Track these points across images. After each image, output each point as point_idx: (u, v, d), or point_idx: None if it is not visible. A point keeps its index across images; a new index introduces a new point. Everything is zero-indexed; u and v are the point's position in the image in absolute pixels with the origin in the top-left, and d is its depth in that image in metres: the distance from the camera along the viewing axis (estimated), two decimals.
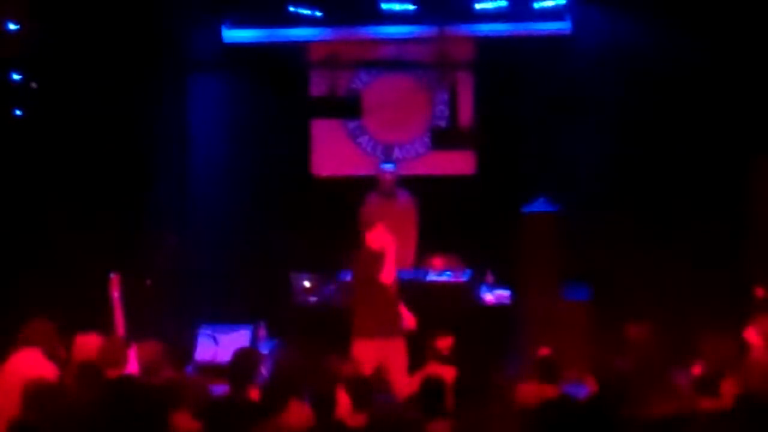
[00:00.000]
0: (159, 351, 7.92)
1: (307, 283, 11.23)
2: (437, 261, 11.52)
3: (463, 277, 11.29)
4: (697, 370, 7.63)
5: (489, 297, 11.19)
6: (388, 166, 11.90)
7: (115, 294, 9.68)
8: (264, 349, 11.01)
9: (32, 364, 7.69)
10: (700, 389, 6.96)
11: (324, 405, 6.52)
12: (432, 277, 11.31)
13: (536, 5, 11.90)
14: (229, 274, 12.35)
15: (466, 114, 12.31)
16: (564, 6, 11.87)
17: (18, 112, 11.31)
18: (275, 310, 11.47)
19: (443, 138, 12.23)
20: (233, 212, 12.62)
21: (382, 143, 12.83)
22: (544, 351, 8.70)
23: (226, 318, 11.66)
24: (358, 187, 12.30)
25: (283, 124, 12.66)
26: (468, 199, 12.31)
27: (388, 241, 9.78)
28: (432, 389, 6.91)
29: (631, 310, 9.54)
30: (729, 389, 7.00)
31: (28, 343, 7.91)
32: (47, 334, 8.02)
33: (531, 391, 7.45)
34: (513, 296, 11.15)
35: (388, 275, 9.70)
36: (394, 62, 12.61)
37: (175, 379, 7.66)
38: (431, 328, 9.72)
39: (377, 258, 9.71)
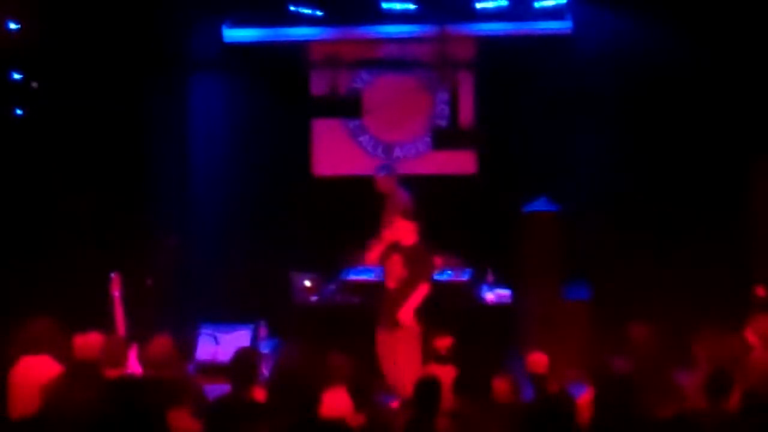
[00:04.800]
0: (169, 346, 7.91)
1: (307, 283, 11.23)
2: (438, 260, 11.51)
3: (463, 277, 11.29)
4: (703, 371, 7.61)
5: (490, 296, 11.19)
6: (381, 170, 11.61)
7: (116, 293, 9.67)
8: (265, 349, 11.02)
9: (44, 369, 7.66)
10: (710, 391, 6.93)
11: (306, 403, 6.49)
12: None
13: (537, 4, 11.90)
14: (230, 274, 12.36)
15: (466, 113, 12.32)
16: (565, 5, 11.87)
17: (18, 112, 11.31)
18: (275, 309, 11.47)
19: (444, 137, 12.23)
20: (234, 212, 12.63)
21: (382, 143, 12.83)
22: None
23: (226, 317, 11.67)
24: (359, 187, 12.31)
25: (283, 123, 12.67)
26: (469, 198, 12.32)
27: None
28: (427, 389, 6.91)
29: (631, 310, 9.53)
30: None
31: (35, 348, 7.88)
32: (53, 335, 8.01)
33: None
34: (513, 296, 11.15)
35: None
36: (394, 62, 12.61)
37: (176, 378, 7.65)
38: (432, 327, 9.73)
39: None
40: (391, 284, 9.93)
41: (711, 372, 7.14)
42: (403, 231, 9.96)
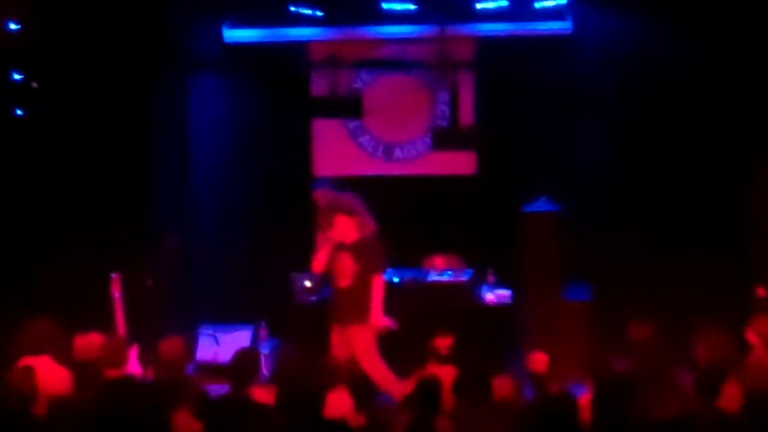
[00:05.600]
0: (181, 347, 7.92)
1: (307, 283, 11.21)
2: (438, 261, 11.52)
3: (464, 277, 11.29)
4: (698, 370, 7.62)
5: (490, 297, 11.18)
6: (318, 185, 11.30)
7: (116, 294, 9.68)
8: (265, 349, 11.02)
9: (46, 372, 7.65)
10: (700, 390, 6.94)
11: (313, 405, 6.49)
12: (433, 277, 11.31)
13: (537, 5, 11.89)
14: (230, 274, 12.35)
15: (466, 114, 12.32)
16: (565, 6, 11.86)
17: (18, 112, 11.31)
18: (275, 310, 11.47)
19: (444, 138, 12.24)
20: (234, 212, 12.62)
21: (383, 143, 12.83)
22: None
23: (226, 318, 11.68)
24: (359, 187, 12.30)
25: (284, 124, 12.66)
26: (469, 199, 12.32)
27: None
28: (428, 389, 6.91)
29: (631, 310, 9.52)
30: (730, 390, 6.99)
31: (36, 349, 7.87)
32: (53, 336, 8.00)
33: None
34: (514, 296, 11.15)
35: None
36: (395, 62, 12.60)
37: (177, 378, 7.65)
38: (431, 328, 9.72)
39: None
40: (344, 283, 9.86)
41: (702, 370, 7.16)
42: (344, 228, 9.94)
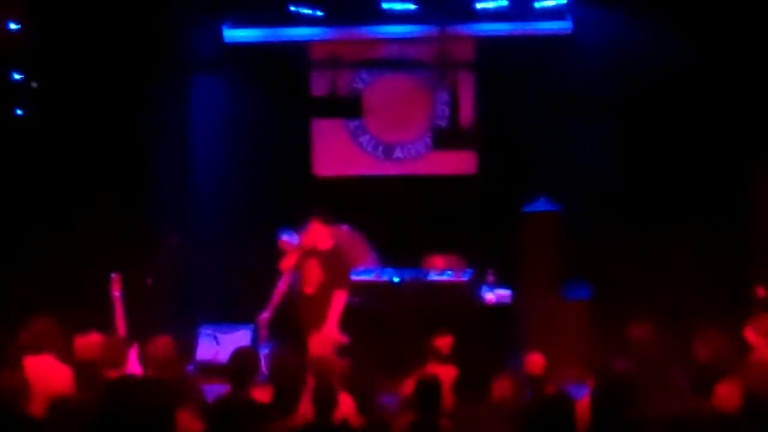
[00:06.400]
0: (170, 346, 7.91)
1: None
2: (438, 261, 11.53)
3: (464, 277, 11.29)
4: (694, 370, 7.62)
5: (490, 296, 11.19)
6: (281, 235, 11.05)
7: (116, 293, 9.66)
8: (265, 349, 11.01)
9: (48, 370, 7.64)
10: (695, 389, 6.95)
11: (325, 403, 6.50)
12: (433, 276, 11.31)
13: (537, 5, 11.90)
14: (230, 274, 12.35)
15: (467, 114, 12.32)
16: (565, 6, 11.87)
17: (18, 112, 11.31)
18: (275, 309, 11.45)
19: (444, 138, 12.25)
20: (234, 212, 12.63)
21: (383, 143, 12.83)
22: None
23: (226, 317, 11.67)
24: (360, 187, 12.32)
25: (284, 123, 12.67)
26: (469, 198, 12.32)
27: None
28: (428, 389, 6.91)
29: (631, 310, 9.52)
30: (728, 390, 6.99)
31: (37, 348, 7.86)
32: (54, 335, 7.99)
33: None
34: (514, 296, 11.15)
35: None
36: (395, 62, 12.61)
37: (176, 378, 7.65)
38: (431, 327, 9.72)
39: None
40: (309, 290, 9.91)
41: (697, 369, 7.16)
42: (317, 233, 9.96)
